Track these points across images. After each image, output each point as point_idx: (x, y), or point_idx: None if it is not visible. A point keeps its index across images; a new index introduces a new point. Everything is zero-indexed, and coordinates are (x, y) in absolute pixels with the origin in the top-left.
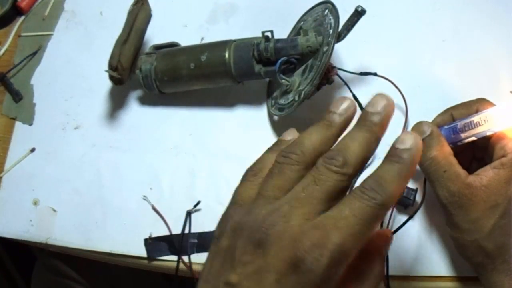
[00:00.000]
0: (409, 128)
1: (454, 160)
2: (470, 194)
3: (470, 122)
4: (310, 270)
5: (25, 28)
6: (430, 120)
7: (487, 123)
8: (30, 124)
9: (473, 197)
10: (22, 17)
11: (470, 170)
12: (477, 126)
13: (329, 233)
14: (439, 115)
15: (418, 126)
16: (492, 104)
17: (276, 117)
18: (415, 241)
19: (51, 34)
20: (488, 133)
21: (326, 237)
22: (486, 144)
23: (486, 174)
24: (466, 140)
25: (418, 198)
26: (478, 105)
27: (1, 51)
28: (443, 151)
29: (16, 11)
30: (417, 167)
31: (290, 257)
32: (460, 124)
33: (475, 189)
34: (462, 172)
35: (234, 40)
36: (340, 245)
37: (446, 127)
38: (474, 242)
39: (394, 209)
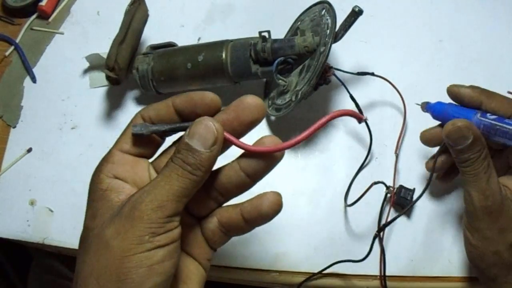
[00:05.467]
0: (408, 127)
1: (491, 163)
2: (501, 202)
3: None
4: None
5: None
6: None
7: None
8: (14, 127)
9: (504, 206)
10: (35, 15)
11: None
12: None
13: None
14: (467, 88)
15: (457, 131)
16: None
17: (273, 118)
18: (413, 242)
19: (62, 33)
20: None
21: None
22: None
23: None
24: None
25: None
26: None
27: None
28: (485, 154)
29: (34, 8)
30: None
31: None
32: (505, 125)
33: (507, 198)
34: (496, 177)
35: (231, 40)
36: None
37: (484, 120)
38: (495, 254)
39: (391, 209)
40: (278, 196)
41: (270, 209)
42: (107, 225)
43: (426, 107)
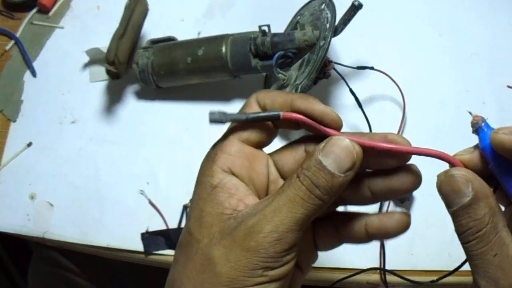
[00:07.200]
0: (407, 121)
1: (509, 238)
2: None
3: None
4: None
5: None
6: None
7: None
8: (14, 121)
9: None
10: (35, 9)
11: None
12: None
13: None
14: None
15: (450, 183)
16: None
17: None
18: (413, 236)
19: (62, 28)
20: None
21: None
22: None
23: None
24: None
25: (416, 192)
26: None
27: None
28: (495, 221)
29: (34, 3)
30: None
31: None
32: None
33: None
34: None
35: (231, 35)
36: None
37: None
38: None
39: (391, 204)
40: (407, 218)
41: (398, 229)
42: (216, 244)
43: (478, 130)
